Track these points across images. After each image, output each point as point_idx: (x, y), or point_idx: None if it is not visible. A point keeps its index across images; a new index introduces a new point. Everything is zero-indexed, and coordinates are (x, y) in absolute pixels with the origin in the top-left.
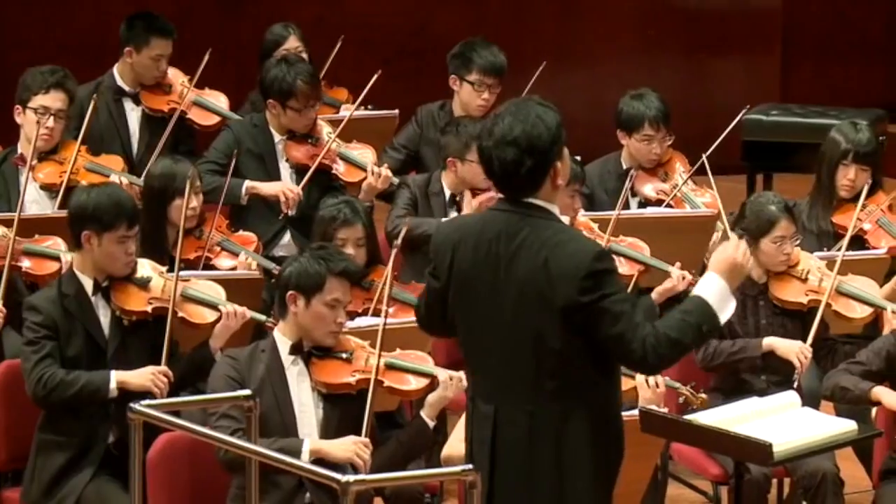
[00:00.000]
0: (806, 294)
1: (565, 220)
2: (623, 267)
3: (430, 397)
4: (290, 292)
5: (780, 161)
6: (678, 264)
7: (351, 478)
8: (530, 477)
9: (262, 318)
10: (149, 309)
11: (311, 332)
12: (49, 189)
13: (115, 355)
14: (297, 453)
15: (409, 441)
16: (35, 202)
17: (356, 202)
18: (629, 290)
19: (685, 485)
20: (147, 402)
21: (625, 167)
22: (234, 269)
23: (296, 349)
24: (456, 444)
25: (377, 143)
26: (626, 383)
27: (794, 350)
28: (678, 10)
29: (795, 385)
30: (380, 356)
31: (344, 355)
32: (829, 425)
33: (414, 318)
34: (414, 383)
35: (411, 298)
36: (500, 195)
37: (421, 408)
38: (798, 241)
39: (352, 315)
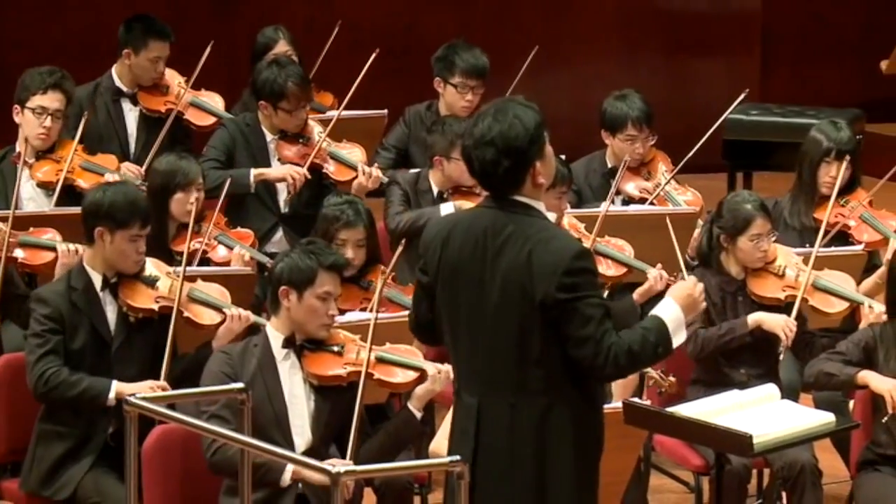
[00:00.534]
0: (783, 290)
1: (552, 218)
2: (609, 269)
3: (418, 390)
4: (282, 287)
5: (760, 159)
6: (659, 265)
7: (342, 468)
8: (511, 468)
9: (264, 321)
10: (156, 307)
11: (304, 325)
12: (45, 187)
13: (120, 351)
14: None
15: (398, 432)
16: (32, 200)
17: (359, 203)
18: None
19: (667, 475)
20: (142, 394)
21: (609, 166)
22: (227, 260)
23: (288, 343)
24: (442, 439)
25: (366, 143)
26: None
27: (780, 323)
28: (660, 12)
29: (781, 357)
30: (370, 349)
31: (335, 348)
32: (807, 417)
33: (403, 313)
34: (403, 376)
35: (407, 301)
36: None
37: (409, 400)
38: (774, 238)
39: (343, 312)
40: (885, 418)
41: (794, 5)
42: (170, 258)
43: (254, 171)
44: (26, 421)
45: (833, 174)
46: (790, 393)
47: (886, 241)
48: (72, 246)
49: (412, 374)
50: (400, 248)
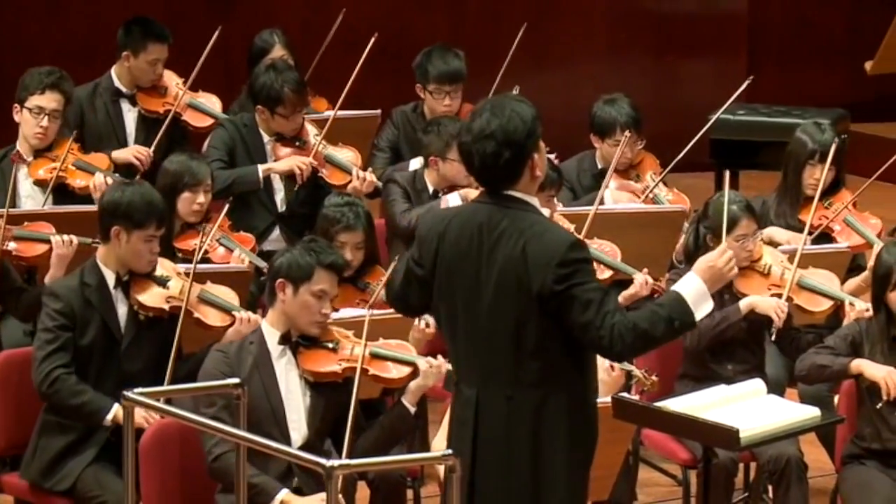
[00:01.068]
0: (768, 289)
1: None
2: (599, 274)
3: (412, 384)
4: (279, 280)
5: (747, 158)
6: (646, 270)
7: (336, 462)
8: (509, 459)
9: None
10: (166, 307)
11: (296, 320)
12: (42, 185)
13: (129, 348)
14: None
15: (391, 426)
16: (30, 197)
17: (360, 206)
18: None
19: (656, 469)
20: (140, 389)
21: (600, 167)
22: (226, 260)
23: (284, 339)
24: (443, 437)
25: (360, 142)
26: None
27: (772, 305)
28: (648, 13)
29: (773, 339)
30: (365, 345)
31: (330, 345)
32: (793, 412)
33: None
34: (397, 372)
35: None
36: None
37: (402, 395)
38: (759, 237)
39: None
40: (880, 404)
41: (780, 7)
42: (171, 255)
43: (261, 167)
44: (26, 416)
45: (817, 176)
46: (776, 388)
47: (870, 245)
48: (66, 237)
49: (406, 370)
50: (398, 258)
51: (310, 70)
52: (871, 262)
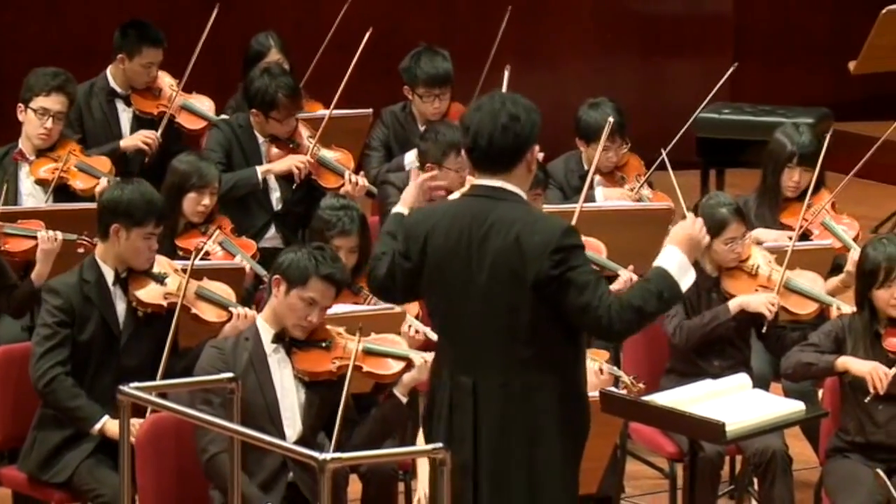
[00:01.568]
0: (756, 289)
1: None
2: None
3: (405, 377)
4: (276, 276)
5: (732, 157)
6: (631, 267)
7: (328, 456)
8: (504, 447)
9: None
10: (165, 304)
11: (282, 318)
12: (43, 184)
13: (127, 344)
14: None
15: (385, 419)
16: (31, 196)
17: (355, 210)
18: None
19: (643, 462)
20: (135, 384)
21: (586, 168)
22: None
23: (278, 338)
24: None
25: (353, 141)
26: None
27: (763, 301)
28: (635, 14)
29: (764, 331)
30: (359, 341)
31: (324, 344)
32: (778, 406)
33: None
34: (390, 367)
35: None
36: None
37: (395, 387)
38: (748, 240)
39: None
40: (868, 398)
41: (765, 8)
42: (172, 252)
43: (260, 169)
44: (24, 410)
45: (796, 179)
46: (761, 383)
47: (847, 248)
48: (51, 232)
49: (400, 364)
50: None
51: (306, 75)
52: (848, 265)
